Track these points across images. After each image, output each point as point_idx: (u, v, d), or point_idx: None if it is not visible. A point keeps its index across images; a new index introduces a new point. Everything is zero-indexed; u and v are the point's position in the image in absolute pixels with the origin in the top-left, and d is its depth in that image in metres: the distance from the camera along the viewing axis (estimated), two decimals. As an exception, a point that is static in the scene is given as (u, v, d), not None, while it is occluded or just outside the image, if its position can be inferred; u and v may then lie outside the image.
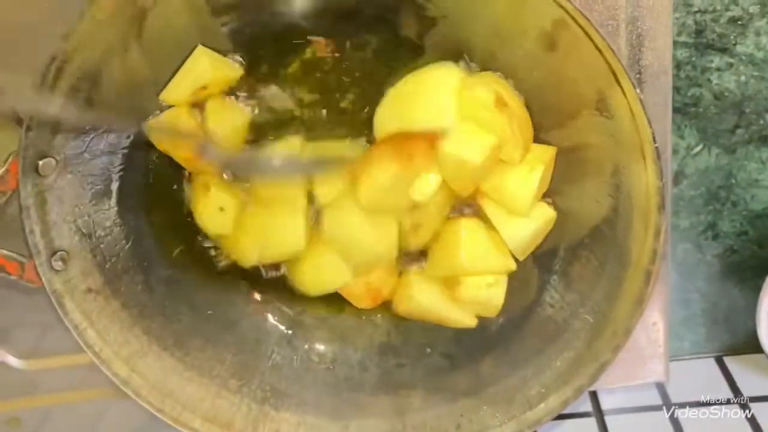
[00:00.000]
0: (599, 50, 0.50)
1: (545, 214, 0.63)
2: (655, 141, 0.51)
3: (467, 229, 0.64)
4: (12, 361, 0.79)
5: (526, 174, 0.60)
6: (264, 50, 0.62)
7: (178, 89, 0.61)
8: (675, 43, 0.73)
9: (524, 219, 0.62)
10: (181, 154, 0.63)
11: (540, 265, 0.66)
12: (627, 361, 0.74)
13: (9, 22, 0.63)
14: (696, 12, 0.74)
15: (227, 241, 0.67)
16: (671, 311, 0.78)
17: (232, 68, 0.62)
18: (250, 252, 0.66)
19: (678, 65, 0.75)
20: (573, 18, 0.49)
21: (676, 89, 0.75)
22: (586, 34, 0.50)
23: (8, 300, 0.76)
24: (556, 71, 0.56)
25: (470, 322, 0.67)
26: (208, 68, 0.60)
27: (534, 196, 0.61)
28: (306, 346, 0.71)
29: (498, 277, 0.64)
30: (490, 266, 0.64)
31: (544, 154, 0.61)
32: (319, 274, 0.67)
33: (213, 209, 0.65)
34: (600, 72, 0.51)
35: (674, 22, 0.72)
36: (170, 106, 0.61)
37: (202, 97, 0.62)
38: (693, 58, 0.76)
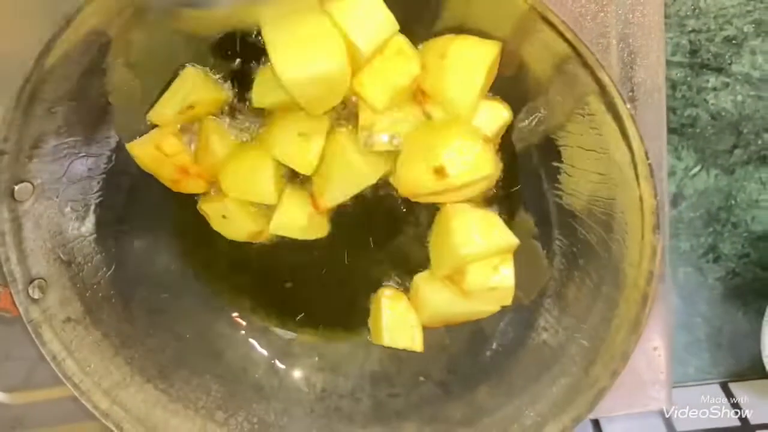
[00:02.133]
0: (587, 65, 0.48)
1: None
2: (647, 158, 0.50)
3: (456, 213, 0.61)
4: (-2, 395, 0.77)
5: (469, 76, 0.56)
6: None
7: (166, 109, 0.59)
8: (670, 63, 0.73)
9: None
10: (166, 175, 0.61)
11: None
12: (628, 387, 0.72)
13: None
14: (690, 32, 0.73)
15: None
16: (674, 337, 0.76)
17: (221, 89, 0.61)
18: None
19: (673, 85, 0.74)
20: (561, 34, 0.48)
21: (672, 110, 0.74)
22: (575, 49, 0.48)
23: (-5, 332, 0.74)
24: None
25: (493, 307, 0.64)
26: (197, 87, 0.59)
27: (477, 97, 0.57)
28: (295, 376, 0.69)
29: (503, 256, 0.61)
30: (490, 246, 0.60)
31: (488, 51, 0.57)
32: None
33: (217, 218, 0.64)
34: (588, 88, 0.50)
35: (668, 42, 0.72)
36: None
37: (190, 117, 0.61)
38: (688, 78, 0.75)
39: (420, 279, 0.65)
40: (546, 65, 0.53)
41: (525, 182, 0.62)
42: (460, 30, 0.57)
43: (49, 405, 0.77)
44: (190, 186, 0.63)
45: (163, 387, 0.63)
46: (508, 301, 0.62)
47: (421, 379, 0.68)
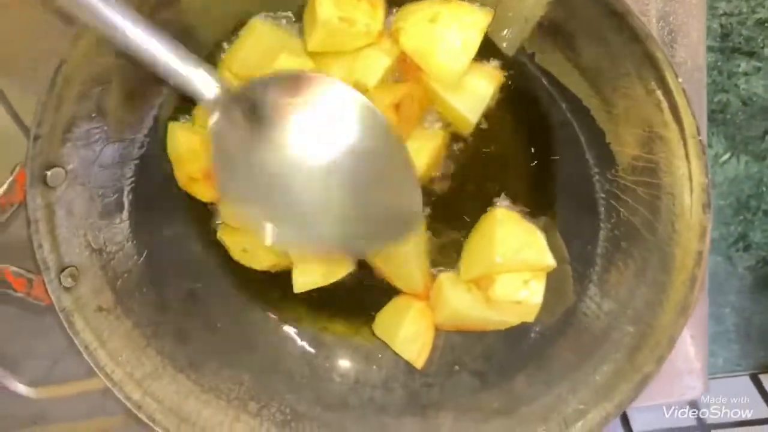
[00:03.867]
0: (639, 39, 0.47)
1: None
2: (699, 134, 0.48)
3: (502, 221, 0.61)
4: (21, 389, 0.76)
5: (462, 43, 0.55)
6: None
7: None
8: (701, 47, 0.72)
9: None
10: (187, 170, 0.60)
11: (574, 273, 0.62)
12: (664, 377, 0.70)
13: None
14: (722, 15, 0.72)
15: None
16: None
17: None
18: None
19: (704, 70, 0.73)
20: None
21: (703, 95, 0.73)
22: (626, 22, 0.47)
23: (19, 326, 0.73)
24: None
25: (514, 320, 0.63)
26: None
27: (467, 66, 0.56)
28: (327, 366, 0.68)
29: (536, 273, 0.61)
30: (526, 262, 0.60)
31: (482, 18, 0.56)
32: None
33: (237, 250, 0.64)
34: (640, 63, 0.49)
35: (700, 25, 0.71)
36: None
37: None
38: (719, 63, 0.74)
39: (445, 278, 0.64)
40: (593, 37, 0.52)
41: (568, 161, 0.61)
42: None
43: (72, 399, 0.76)
44: (201, 191, 0.62)
45: (195, 378, 0.61)
46: (531, 318, 0.62)
47: (456, 368, 0.67)
